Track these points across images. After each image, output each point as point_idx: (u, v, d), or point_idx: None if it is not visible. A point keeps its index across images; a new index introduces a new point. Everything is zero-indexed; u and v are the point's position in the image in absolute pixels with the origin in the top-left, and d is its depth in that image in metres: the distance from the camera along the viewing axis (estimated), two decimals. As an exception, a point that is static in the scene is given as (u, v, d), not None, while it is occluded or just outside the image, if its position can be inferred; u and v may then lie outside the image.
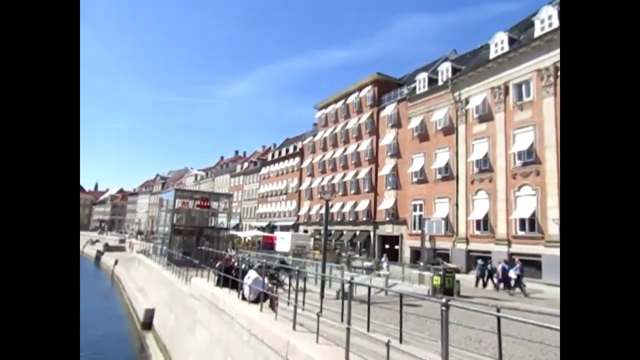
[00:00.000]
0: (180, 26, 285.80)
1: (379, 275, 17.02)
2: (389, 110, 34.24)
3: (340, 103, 42.20)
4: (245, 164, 67.17)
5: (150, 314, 17.29)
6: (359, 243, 35.97)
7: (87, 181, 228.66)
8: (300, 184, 48.76)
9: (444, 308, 4.02)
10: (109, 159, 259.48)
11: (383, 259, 23.23)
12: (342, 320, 6.16)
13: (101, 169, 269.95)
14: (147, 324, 17.02)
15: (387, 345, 4.58)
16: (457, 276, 15.13)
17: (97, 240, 60.21)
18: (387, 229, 32.93)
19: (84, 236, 70.57)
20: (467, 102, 26.25)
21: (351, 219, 37.50)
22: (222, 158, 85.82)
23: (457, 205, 25.85)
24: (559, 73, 18.70)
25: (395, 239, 31.92)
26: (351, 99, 40.24)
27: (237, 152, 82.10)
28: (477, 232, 24.37)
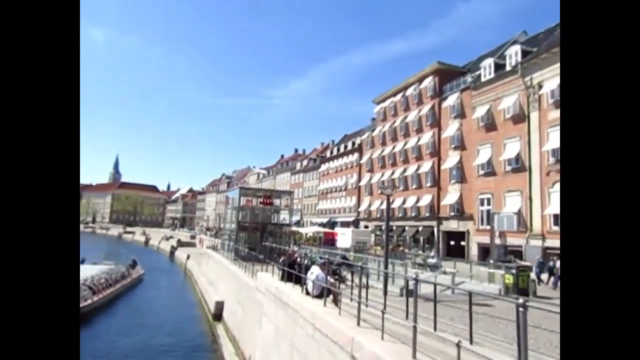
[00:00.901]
0: (237, 32, 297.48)
1: (444, 273, 16.37)
2: (452, 100, 32.74)
3: (399, 96, 41.20)
4: (305, 162, 68.27)
5: (220, 306, 18.22)
6: (422, 239, 34.95)
7: (160, 182, 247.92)
8: (359, 179, 48.50)
9: (521, 309, 3.70)
10: (180, 161, 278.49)
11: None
12: (406, 317, 5.98)
13: (173, 170, 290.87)
14: (218, 316, 17.96)
15: (458, 345, 4.34)
16: (532, 275, 14.06)
17: (171, 237, 64.85)
18: (452, 225, 31.59)
19: (159, 232, 76.39)
20: (540, 86, 24.24)
21: (413, 215, 36.53)
22: (282, 156, 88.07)
23: (530, 198, 24.04)
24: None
25: (461, 235, 30.53)
26: (410, 90, 39.11)
27: (296, 150, 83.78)
28: (555, 228, 22.46)
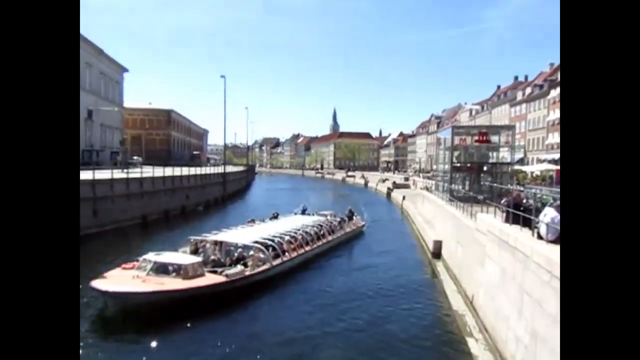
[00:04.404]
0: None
1: None
2: None
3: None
4: (528, 89, 58.86)
5: (438, 245, 18.62)
6: None
7: (373, 128, 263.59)
8: (606, 103, 38.49)
9: None
10: (389, 106, 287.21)
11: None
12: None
13: (383, 115, 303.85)
14: (436, 254, 18.45)
15: None
16: None
17: (386, 179, 69.13)
18: None
19: (375, 175, 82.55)
20: None
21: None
22: (498, 87, 78.46)
23: None
24: None
25: None
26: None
27: (516, 77, 72.72)
28: None
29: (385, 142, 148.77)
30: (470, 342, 9.97)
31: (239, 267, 13.31)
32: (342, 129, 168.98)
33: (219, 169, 49.70)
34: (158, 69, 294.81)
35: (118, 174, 26.21)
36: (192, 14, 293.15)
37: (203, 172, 41.42)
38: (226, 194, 46.86)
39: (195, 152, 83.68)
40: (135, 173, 28.63)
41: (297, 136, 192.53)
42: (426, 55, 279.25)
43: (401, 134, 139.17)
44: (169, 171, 32.99)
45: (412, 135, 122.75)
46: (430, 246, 19.35)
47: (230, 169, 58.52)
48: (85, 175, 22.52)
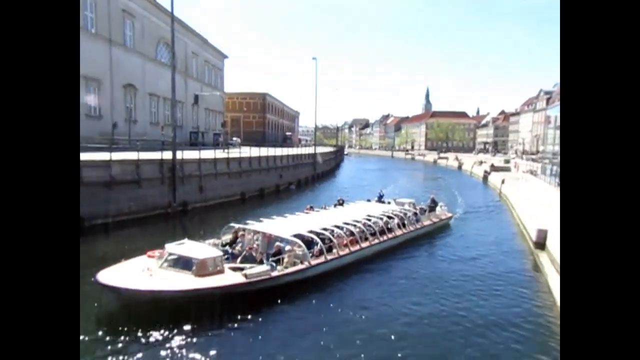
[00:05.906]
0: None
1: None
2: None
3: None
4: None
5: (542, 234, 16.84)
6: None
7: (469, 107, 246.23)
8: None
9: None
10: (488, 82, 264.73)
11: None
12: None
13: (482, 93, 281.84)
14: (540, 244, 16.73)
15: None
16: None
17: (483, 162, 64.36)
18: None
19: (471, 157, 77.22)
20: None
21: None
22: (626, 56, 66.90)
23: None
24: None
25: None
26: None
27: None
28: None
29: (483, 122, 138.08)
30: (579, 344, 8.90)
31: (265, 266, 11.13)
32: (435, 108, 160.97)
33: (310, 150, 51.16)
34: (252, 50, 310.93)
35: (220, 154, 28.52)
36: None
37: (295, 153, 43.05)
38: (316, 174, 48.19)
39: (287, 134, 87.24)
40: (234, 153, 30.87)
41: (386, 116, 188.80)
42: (531, 23, 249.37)
43: (502, 112, 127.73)
44: (264, 152, 34.93)
45: (515, 114, 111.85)
46: (533, 236, 17.60)
47: (320, 149, 59.84)
48: (192, 154, 24.99)
